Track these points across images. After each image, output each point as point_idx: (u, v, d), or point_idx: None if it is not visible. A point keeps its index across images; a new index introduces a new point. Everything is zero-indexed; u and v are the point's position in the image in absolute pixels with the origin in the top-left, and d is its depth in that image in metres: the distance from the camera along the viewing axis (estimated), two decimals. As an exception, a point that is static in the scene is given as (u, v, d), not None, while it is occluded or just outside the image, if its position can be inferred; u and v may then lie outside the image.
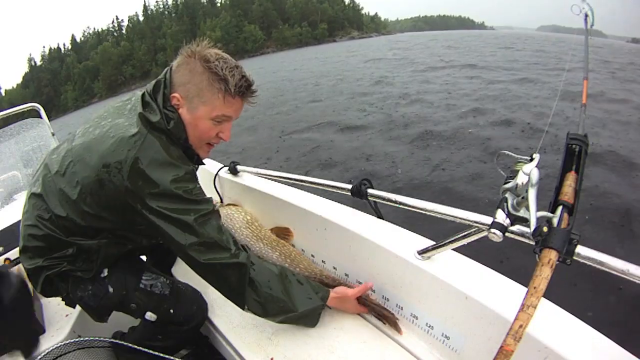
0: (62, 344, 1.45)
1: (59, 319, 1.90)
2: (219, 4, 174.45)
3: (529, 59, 23.13)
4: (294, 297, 1.51)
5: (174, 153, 1.38)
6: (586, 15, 1.78)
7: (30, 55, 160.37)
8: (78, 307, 1.87)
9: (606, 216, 4.95)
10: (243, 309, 1.48)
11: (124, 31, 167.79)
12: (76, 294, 1.53)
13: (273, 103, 15.55)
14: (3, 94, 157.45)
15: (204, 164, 1.65)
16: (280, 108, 14.35)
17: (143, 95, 1.46)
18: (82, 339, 1.51)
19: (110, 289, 1.55)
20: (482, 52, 29.96)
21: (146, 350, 1.52)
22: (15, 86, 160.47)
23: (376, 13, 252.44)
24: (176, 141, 1.44)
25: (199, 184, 1.45)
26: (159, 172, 1.30)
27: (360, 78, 20.16)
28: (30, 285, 1.98)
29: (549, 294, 1.08)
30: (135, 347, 1.54)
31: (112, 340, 1.62)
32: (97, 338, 1.56)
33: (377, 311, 1.63)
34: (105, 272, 1.57)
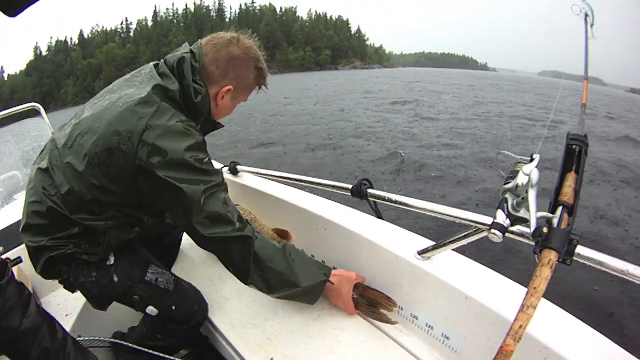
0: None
1: (59, 319, 1.87)
2: (227, 19, 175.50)
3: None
4: (297, 272, 1.50)
5: (186, 122, 1.37)
6: (586, 15, 1.78)
7: (36, 44, 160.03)
8: (77, 307, 1.89)
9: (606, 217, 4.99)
10: (246, 283, 1.47)
11: (131, 34, 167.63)
12: (78, 279, 1.50)
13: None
14: (5, 78, 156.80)
15: (223, 125, 1.70)
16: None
17: (156, 66, 1.48)
18: (82, 339, 1.49)
19: (116, 278, 1.53)
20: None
21: (146, 350, 1.52)
22: (18, 72, 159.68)
23: (381, 45, 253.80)
24: (188, 112, 1.45)
25: (209, 155, 1.43)
26: (170, 141, 1.29)
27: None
28: (29, 286, 1.96)
29: (549, 294, 1.09)
30: (135, 347, 1.54)
31: (112, 340, 1.61)
32: (97, 338, 1.55)
33: (373, 298, 1.62)
34: (112, 260, 1.55)
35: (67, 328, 1.79)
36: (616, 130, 14.44)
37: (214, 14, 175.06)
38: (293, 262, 1.52)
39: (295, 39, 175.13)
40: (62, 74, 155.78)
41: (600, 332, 1.13)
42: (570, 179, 0.95)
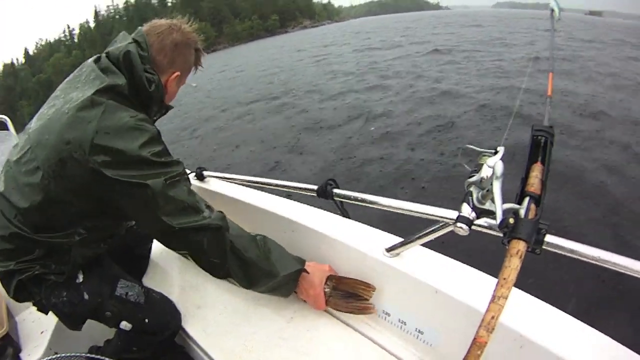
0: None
1: (35, 336, 1.83)
2: (169, 4, 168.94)
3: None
4: (274, 261, 1.46)
5: (137, 116, 1.31)
6: (552, 10, 1.82)
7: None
8: (52, 323, 1.81)
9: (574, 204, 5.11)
10: (223, 276, 1.42)
11: (75, 40, 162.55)
12: (50, 300, 1.45)
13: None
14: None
15: (172, 107, 1.68)
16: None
17: (97, 62, 1.40)
18: (58, 356, 1.42)
19: (86, 296, 1.48)
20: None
21: None
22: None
23: (329, 0, 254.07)
24: (138, 103, 1.40)
25: (165, 145, 1.37)
26: (125, 140, 1.23)
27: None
28: (3, 306, 1.91)
29: (521, 284, 1.09)
30: None
31: (88, 355, 1.55)
32: (74, 354, 1.48)
33: (350, 287, 1.59)
34: (81, 278, 1.50)
35: (44, 345, 1.74)
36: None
37: (156, 1, 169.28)
38: (269, 252, 1.48)
39: (241, 10, 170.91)
40: (15, 97, 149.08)
41: (575, 318, 1.13)
42: (536, 170, 0.94)
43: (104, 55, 1.42)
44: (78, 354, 1.51)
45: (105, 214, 1.43)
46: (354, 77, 15.77)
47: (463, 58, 16.96)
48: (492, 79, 12.36)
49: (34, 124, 1.37)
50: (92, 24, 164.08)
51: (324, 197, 1.66)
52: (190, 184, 1.40)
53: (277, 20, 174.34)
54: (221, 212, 1.43)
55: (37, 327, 1.85)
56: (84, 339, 1.83)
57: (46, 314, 1.54)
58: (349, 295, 1.59)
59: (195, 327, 1.72)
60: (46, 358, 1.43)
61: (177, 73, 1.52)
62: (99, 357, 1.51)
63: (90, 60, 1.44)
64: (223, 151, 9.50)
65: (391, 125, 9.12)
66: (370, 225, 1.69)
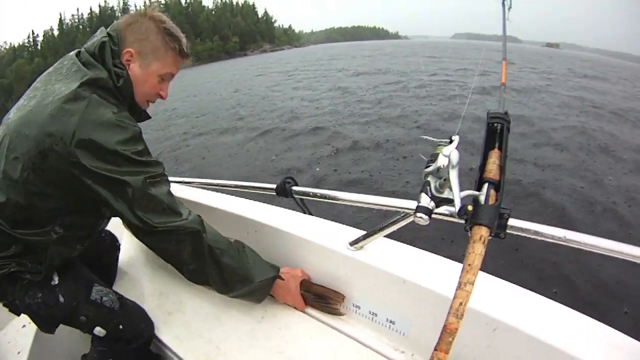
0: None
1: (12, 357, 1.77)
2: None
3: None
4: (250, 266, 1.45)
5: (120, 113, 1.27)
6: (503, 0, 1.86)
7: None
8: (28, 343, 1.74)
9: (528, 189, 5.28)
10: (200, 282, 1.43)
11: (39, 47, 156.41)
12: (24, 301, 1.39)
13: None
14: None
15: (150, 117, 1.58)
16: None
17: (78, 55, 1.35)
18: None
19: (61, 299, 1.43)
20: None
21: None
22: None
23: (290, 25, 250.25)
24: (122, 100, 1.35)
25: (146, 145, 1.33)
26: (106, 135, 1.19)
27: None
28: None
29: (490, 268, 1.12)
30: None
31: None
32: None
33: (321, 294, 1.60)
34: (56, 280, 1.45)
35: None
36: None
37: (119, 14, 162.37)
38: (246, 257, 1.46)
39: (202, 29, 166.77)
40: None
41: (546, 297, 1.16)
42: (494, 156, 0.94)
43: (83, 49, 1.37)
44: None
45: (84, 210, 1.39)
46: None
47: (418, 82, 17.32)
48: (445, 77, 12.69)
49: (12, 115, 1.31)
50: (56, 32, 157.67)
51: (284, 195, 1.65)
52: (170, 185, 1.37)
53: (238, 43, 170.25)
54: (199, 216, 1.41)
55: (13, 348, 1.77)
56: (62, 355, 1.77)
57: (18, 315, 1.49)
58: (320, 297, 1.60)
59: (168, 334, 1.68)
60: None
61: (128, 49, 1.38)
62: None
63: (72, 53, 1.38)
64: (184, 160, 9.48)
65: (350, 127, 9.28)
66: (333, 221, 1.69)
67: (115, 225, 1.86)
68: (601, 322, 1.08)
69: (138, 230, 1.31)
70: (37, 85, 1.36)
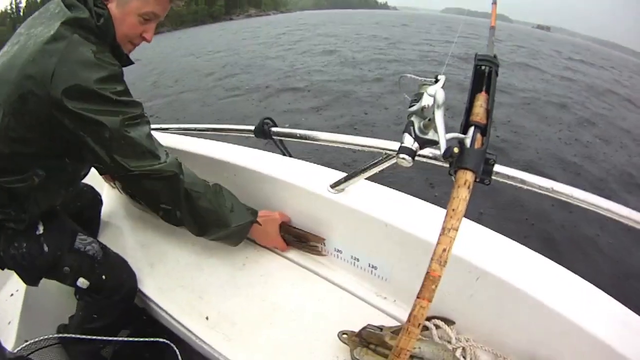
0: (15, 356, 1.34)
1: (3, 328, 1.73)
2: None
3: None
4: (227, 210, 1.44)
5: (101, 53, 1.22)
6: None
7: None
8: (17, 312, 1.74)
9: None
10: (176, 224, 1.40)
11: (21, 13, 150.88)
12: (8, 252, 1.39)
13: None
14: None
15: (133, 62, 1.49)
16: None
17: None
18: (29, 342, 1.41)
19: (46, 248, 1.42)
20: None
21: (90, 337, 1.45)
22: None
23: None
24: (104, 40, 1.29)
25: (126, 86, 1.29)
26: (85, 74, 1.15)
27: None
28: None
29: (475, 215, 1.10)
30: (80, 336, 1.47)
31: (57, 335, 1.53)
32: (43, 338, 1.45)
33: (300, 237, 1.60)
34: (41, 229, 1.44)
35: (13, 335, 1.65)
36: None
37: None
38: (224, 201, 1.45)
39: None
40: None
41: (529, 248, 1.15)
42: (481, 99, 0.89)
43: None
44: (48, 336, 1.49)
45: (66, 154, 1.36)
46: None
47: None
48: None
49: None
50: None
51: (262, 137, 1.60)
52: (150, 127, 1.33)
53: (223, 7, 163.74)
54: (177, 158, 1.37)
55: (3, 319, 1.75)
56: (51, 320, 1.75)
57: (2, 269, 1.48)
58: (300, 239, 1.60)
59: (150, 286, 1.67)
60: (19, 347, 1.38)
61: (136, 3, 1.31)
62: (66, 335, 1.53)
63: None
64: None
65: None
66: (313, 162, 1.65)
67: (96, 180, 1.83)
68: (582, 277, 1.08)
69: (115, 172, 1.28)
70: (20, 30, 1.31)
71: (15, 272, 1.46)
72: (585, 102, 9.35)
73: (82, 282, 1.49)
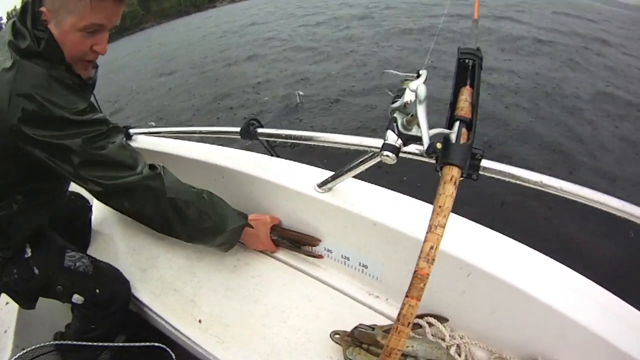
0: None
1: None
2: None
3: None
4: (218, 217, 1.40)
5: (54, 77, 1.17)
6: None
7: None
8: (13, 320, 1.73)
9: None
10: (168, 233, 1.37)
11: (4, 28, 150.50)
12: (1, 280, 1.38)
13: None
14: None
15: (90, 83, 1.41)
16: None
17: (14, 22, 1.21)
18: (25, 350, 1.40)
19: (36, 270, 1.40)
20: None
21: (87, 344, 1.45)
22: None
23: None
24: (57, 63, 1.21)
25: (88, 104, 1.23)
26: (39, 99, 1.11)
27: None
28: None
29: (463, 211, 1.08)
30: (76, 343, 1.46)
31: (53, 343, 1.52)
32: (40, 345, 1.44)
33: (293, 238, 1.58)
34: (29, 252, 1.41)
35: (9, 344, 1.65)
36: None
37: None
38: (214, 207, 1.41)
39: None
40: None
41: (520, 242, 1.14)
42: (465, 94, 0.88)
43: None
44: (45, 344, 1.48)
45: (41, 177, 1.33)
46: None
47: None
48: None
49: None
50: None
51: (249, 138, 1.57)
52: (120, 139, 1.28)
53: None
54: (157, 166, 1.33)
55: (0, 327, 1.75)
56: (47, 327, 1.75)
57: None
58: (295, 242, 1.58)
59: (144, 290, 1.66)
60: (15, 356, 1.37)
61: (43, 9, 1.17)
62: (63, 342, 1.51)
63: (12, 20, 1.24)
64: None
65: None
66: (299, 162, 1.64)
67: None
68: (573, 269, 1.07)
69: (94, 193, 1.25)
70: None
71: (10, 296, 1.46)
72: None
73: (76, 298, 1.48)
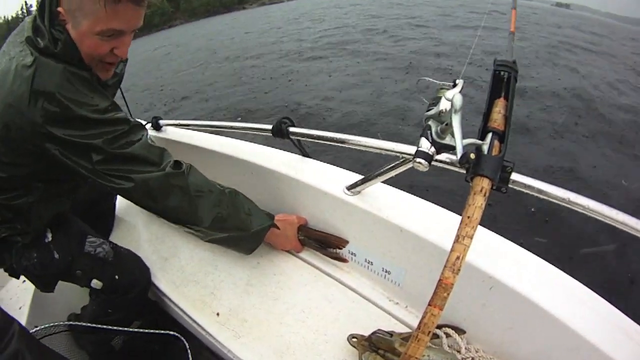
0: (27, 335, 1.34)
1: (14, 313, 1.72)
2: None
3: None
4: (245, 215, 1.40)
5: (76, 74, 1.16)
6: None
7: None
8: (29, 297, 1.76)
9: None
10: (196, 231, 1.36)
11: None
12: (21, 264, 1.38)
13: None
14: None
15: (109, 85, 1.39)
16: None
17: (34, 18, 1.19)
18: (38, 328, 1.39)
19: (56, 255, 1.41)
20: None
21: (102, 327, 1.46)
22: None
23: None
24: (75, 64, 1.18)
25: (110, 102, 1.22)
26: (62, 98, 1.10)
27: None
28: None
29: (490, 225, 1.07)
30: (91, 325, 1.47)
31: (67, 323, 1.52)
32: (53, 324, 1.45)
33: (320, 239, 1.58)
34: (50, 237, 1.43)
35: (23, 320, 1.67)
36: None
37: None
38: (241, 206, 1.40)
39: None
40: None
41: (544, 260, 1.12)
42: (499, 106, 0.88)
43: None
44: (58, 323, 1.48)
45: (57, 169, 1.28)
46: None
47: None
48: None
49: None
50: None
51: (280, 137, 1.57)
52: (143, 136, 1.28)
53: None
54: (181, 164, 1.32)
55: (15, 303, 1.77)
56: (62, 308, 1.77)
57: (17, 278, 1.48)
58: (321, 242, 1.58)
59: (164, 279, 1.67)
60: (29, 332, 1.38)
61: (60, 9, 1.14)
62: (77, 323, 1.52)
63: (31, 16, 1.23)
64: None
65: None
66: (330, 163, 1.63)
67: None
68: (597, 293, 1.05)
69: (117, 191, 1.26)
70: (5, 49, 1.25)
71: (29, 280, 1.47)
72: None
73: (95, 283, 1.50)
